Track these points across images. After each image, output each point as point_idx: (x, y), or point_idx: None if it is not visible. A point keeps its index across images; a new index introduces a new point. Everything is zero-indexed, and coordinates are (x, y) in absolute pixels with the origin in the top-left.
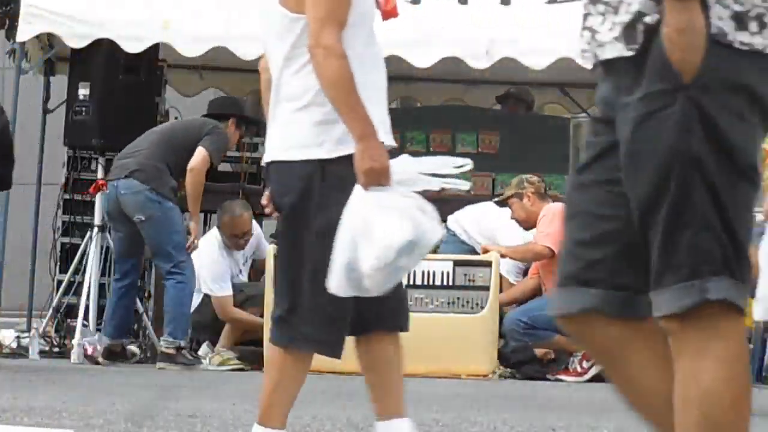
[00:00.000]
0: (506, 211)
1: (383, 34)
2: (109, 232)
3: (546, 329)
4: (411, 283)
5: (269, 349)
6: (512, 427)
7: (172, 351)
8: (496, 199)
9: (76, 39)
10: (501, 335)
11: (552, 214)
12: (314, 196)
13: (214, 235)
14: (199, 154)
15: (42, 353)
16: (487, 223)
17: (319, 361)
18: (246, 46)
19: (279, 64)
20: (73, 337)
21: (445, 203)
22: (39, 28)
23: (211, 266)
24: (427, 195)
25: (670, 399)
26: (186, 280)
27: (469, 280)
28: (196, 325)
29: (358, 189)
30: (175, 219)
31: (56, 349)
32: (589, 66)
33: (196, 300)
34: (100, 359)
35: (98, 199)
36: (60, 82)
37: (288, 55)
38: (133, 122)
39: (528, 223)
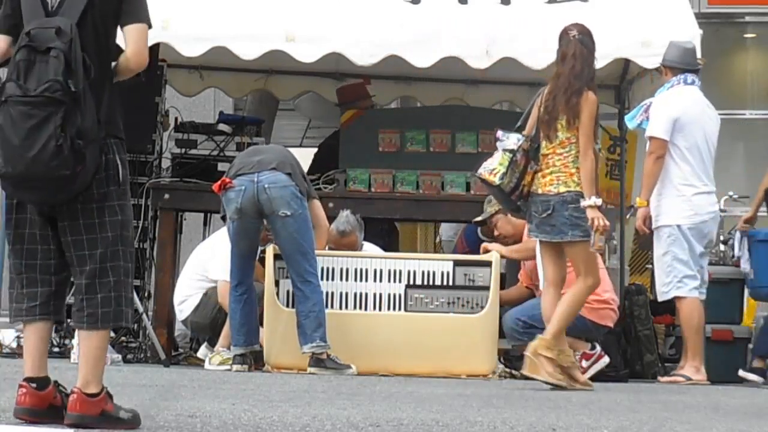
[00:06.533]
0: None
1: (383, 34)
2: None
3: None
4: (411, 283)
5: None
6: (512, 427)
7: (324, 356)
8: (477, 219)
9: None
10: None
11: None
12: None
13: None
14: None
15: None
16: None
17: None
18: (246, 46)
19: None
20: (73, 337)
21: (444, 203)
22: None
23: (227, 255)
24: (426, 195)
25: None
26: (319, 282)
27: (469, 280)
28: (195, 325)
29: None
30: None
31: (56, 349)
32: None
33: (195, 300)
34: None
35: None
36: None
37: None
38: (133, 122)
39: (515, 237)
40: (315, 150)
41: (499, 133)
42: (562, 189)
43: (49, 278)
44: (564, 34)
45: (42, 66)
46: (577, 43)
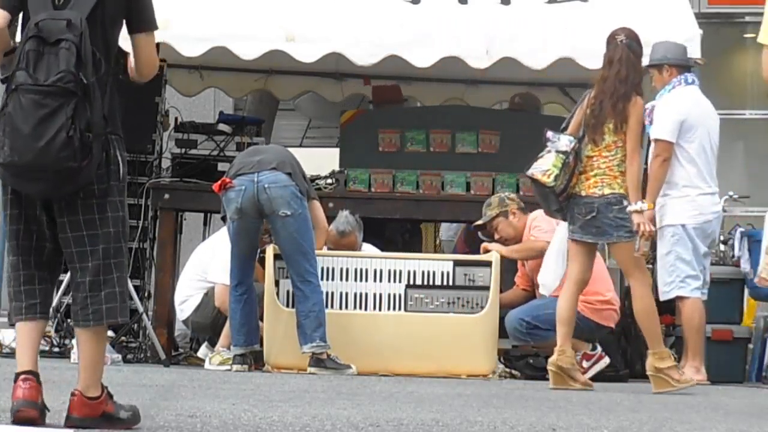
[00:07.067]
0: None
1: (383, 34)
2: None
3: (548, 329)
4: (411, 283)
5: None
6: (512, 427)
7: (324, 356)
8: (477, 223)
9: None
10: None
11: (543, 216)
12: None
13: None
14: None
15: (42, 353)
16: None
17: None
18: (246, 46)
19: None
20: (73, 337)
21: (444, 203)
22: None
23: (226, 257)
24: (426, 195)
25: None
26: (319, 282)
27: (469, 280)
28: (196, 325)
29: None
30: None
31: (56, 349)
32: (588, 65)
33: (196, 300)
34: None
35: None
36: None
37: None
38: (133, 122)
39: (515, 240)
40: (316, 150)
41: (549, 134)
42: (607, 191)
43: (46, 275)
44: (611, 39)
45: (51, 58)
46: (624, 47)
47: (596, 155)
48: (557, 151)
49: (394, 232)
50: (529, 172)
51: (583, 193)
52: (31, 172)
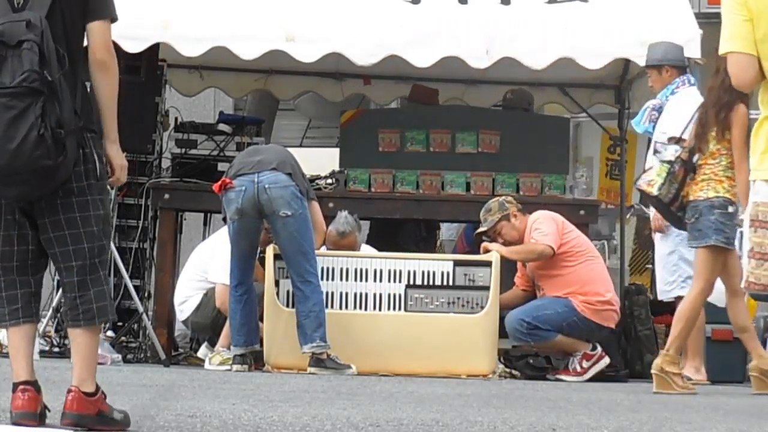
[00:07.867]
0: None
1: (383, 34)
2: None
3: (549, 329)
4: (411, 283)
5: None
6: (512, 427)
7: (324, 356)
8: (481, 229)
9: None
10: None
11: (543, 217)
12: None
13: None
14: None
15: (42, 353)
16: None
17: None
18: (246, 46)
19: None
20: None
21: (444, 203)
22: None
23: (226, 257)
24: (426, 195)
25: None
26: (319, 282)
27: (469, 280)
28: (196, 325)
29: None
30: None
31: (56, 349)
32: (588, 65)
33: (196, 300)
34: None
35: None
36: None
37: None
38: (133, 122)
39: (518, 241)
40: (316, 150)
41: (658, 145)
42: (711, 194)
43: (28, 279)
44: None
45: (15, 60)
46: None
47: (703, 163)
48: (662, 161)
49: (408, 238)
50: (637, 184)
51: (691, 198)
52: (8, 176)
